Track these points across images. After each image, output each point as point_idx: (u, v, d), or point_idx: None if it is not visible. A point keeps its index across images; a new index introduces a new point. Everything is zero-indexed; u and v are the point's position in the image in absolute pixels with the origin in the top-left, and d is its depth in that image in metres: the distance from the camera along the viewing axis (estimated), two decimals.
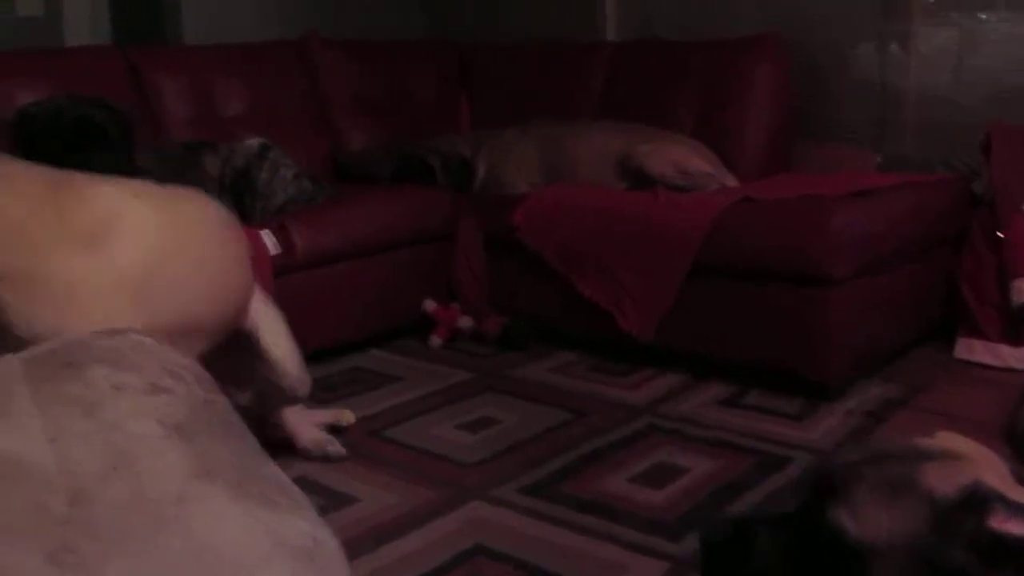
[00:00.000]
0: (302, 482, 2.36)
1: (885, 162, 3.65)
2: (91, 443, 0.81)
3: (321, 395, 2.97)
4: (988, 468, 1.14)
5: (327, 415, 2.70)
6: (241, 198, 3.17)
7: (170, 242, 1.71)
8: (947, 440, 1.15)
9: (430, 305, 3.48)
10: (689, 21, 4.14)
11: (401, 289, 3.47)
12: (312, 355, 3.20)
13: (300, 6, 4.55)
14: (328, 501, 2.31)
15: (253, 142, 3.27)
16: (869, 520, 1.04)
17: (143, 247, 1.64)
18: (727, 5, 4.06)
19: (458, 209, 3.58)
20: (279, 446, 2.37)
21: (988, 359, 3.20)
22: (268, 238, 3.07)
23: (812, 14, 3.86)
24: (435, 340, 3.45)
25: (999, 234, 3.24)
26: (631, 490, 2.35)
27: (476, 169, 3.68)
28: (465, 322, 3.48)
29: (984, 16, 3.65)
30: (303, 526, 0.86)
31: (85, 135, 2.92)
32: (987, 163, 3.32)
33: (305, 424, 2.58)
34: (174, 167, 3.08)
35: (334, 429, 2.66)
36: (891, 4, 3.81)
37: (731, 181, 3.38)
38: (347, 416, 2.72)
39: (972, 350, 3.24)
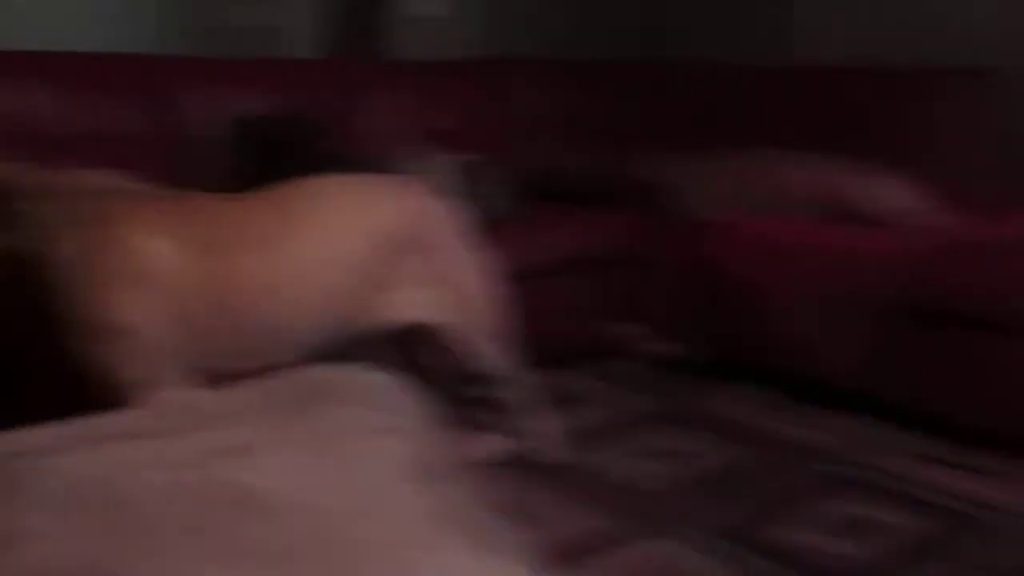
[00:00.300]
0: None
1: None
2: (332, 482, 0.83)
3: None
4: None
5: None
6: None
7: None
8: None
9: (619, 328, 3.47)
10: (896, 46, 3.97)
11: (591, 309, 3.47)
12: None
13: (505, 26, 4.62)
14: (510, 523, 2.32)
15: (459, 158, 3.34)
16: None
17: None
18: (931, 31, 3.86)
19: (652, 233, 3.55)
20: None
21: None
22: None
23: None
24: (622, 363, 3.44)
25: None
26: (822, 541, 2.27)
27: (673, 194, 3.64)
28: (650, 346, 3.45)
29: None
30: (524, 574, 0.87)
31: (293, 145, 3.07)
32: None
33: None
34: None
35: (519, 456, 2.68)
36: None
37: (941, 218, 3.22)
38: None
39: None
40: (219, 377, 1.59)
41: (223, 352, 1.69)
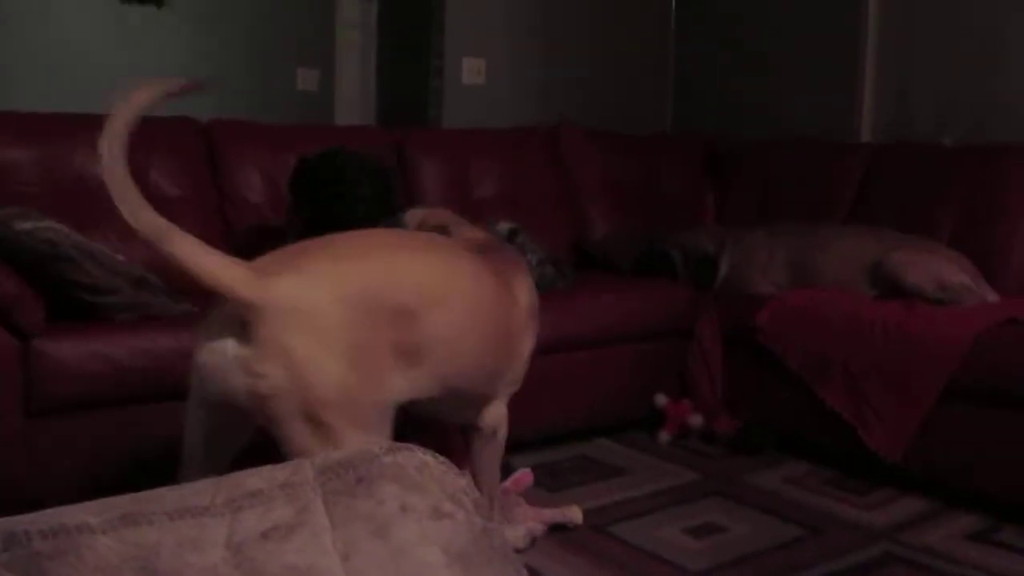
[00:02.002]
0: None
1: None
2: (380, 566, 0.84)
3: (545, 481, 2.99)
4: None
5: (555, 514, 2.69)
6: None
7: None
8: None
9: (662, 399, 3.45)
10: (953, 125, 3.98)
11: (634, 380, 3.47)
12: (540, 439, 3.26)
13: (555, 96, 4.70)
14: None
15: (504, 226, 3.37)
16: None
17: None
18: (995, 109, 3.86)
19: (698, 305, 3.55)
20: None
21: None
22: None
23: None
24: (664, 436, 3.42)
25: None
26: None
27: (719, 266, 3.65)
28: (696, 420, 3.43)
29: None
30: None
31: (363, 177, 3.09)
32: None
33: (528, 519, 2.60)
34: None
35: (560, 527, 2.67)
36: None
37: (992, 297, 3.19)
38: (575, 515, 2.70)
39: None
40: None
41: None
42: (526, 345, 2.30)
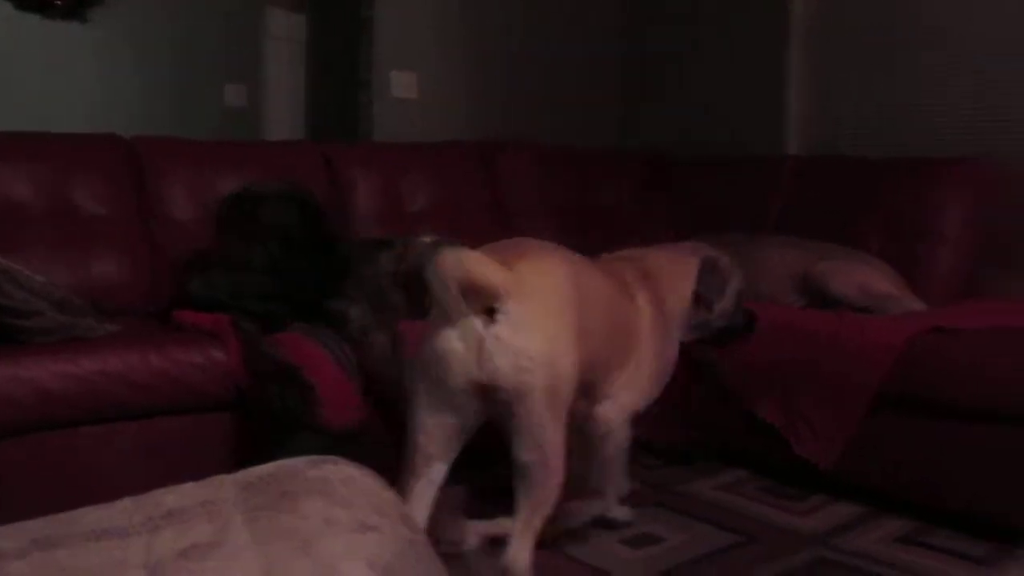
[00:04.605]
0: None
1: None
2: None
3: (485, 496, 2.96)
4: None
5: (490, 527, 2.67)
6: (415, 293, 3.25)
7: None
8: None
9: None
10: (875, 138, 4.06)
11: None
12: (471, 457, 3.23)
13: (489, 110, 4.70)
14: None
15: (426, 238, 3.35)
16: None
17: None
18: (921, 123, 3.95)
19: None
20: None
21: None
22: None
23: (1011, 134, 3.72)
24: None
25: None
26: None
27: None
28: (645, 433, 3.42)
29: None
30: None
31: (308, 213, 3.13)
32: None
33: (465, 533, 2.59)
34: (351, 261, 3.20)
35: (498, 540, 2.65)
36: None
37: (917, 306, 3.25)
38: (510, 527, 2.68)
39: None
40: None
41: None
42: (648, 348, 2.51)
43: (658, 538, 2.74)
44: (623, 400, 2.54)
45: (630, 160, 4.56)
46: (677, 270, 2.74)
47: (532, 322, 1.92)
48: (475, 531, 2.63)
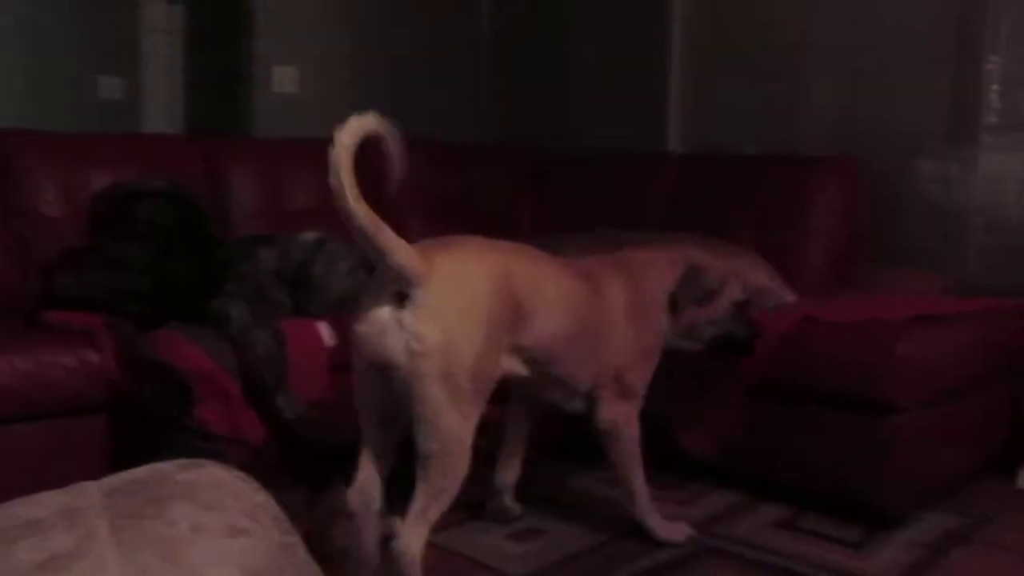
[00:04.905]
0: None
1: (950, 286, 3.60)
2: None
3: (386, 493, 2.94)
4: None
5: (385, 525, 2.65)
6: (298, 291, 3.21)
7: None
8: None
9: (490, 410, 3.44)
10: (753, 135, 4.18)
11: None
12: (350, 450, 3.20)
13: (373, 104, 4.63)
14: None
15: (309, 235, 3.30)
16: None
17: None
18: (793, 121, 4.09)
19: None
20: None
21: None
22: (325, 330, 3.08)
23: (877, 133, 3.88)
24: (480, 443, 3.41)
25: None
26: None
27: None
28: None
29: None
30: None
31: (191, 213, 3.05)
32: None
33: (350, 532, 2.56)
34: (232, 258, 3.14)
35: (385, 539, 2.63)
36: (956, 125, 3.81)
37: (791, 298, 3.35)
38: (397, 526, 2.66)
39: None
40: None
41: None
42: (620, 338, 2.52)
43: (542, 531, 2.76)
44: (610, 397, 2.58)
45: (513, 156, 4.57)
46: (649, 271, 2.68)
47: (434, 310, 2.01)
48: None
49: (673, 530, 2.70)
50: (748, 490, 3.05)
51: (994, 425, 3.26)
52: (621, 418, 2.60)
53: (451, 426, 2.07)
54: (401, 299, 2.03)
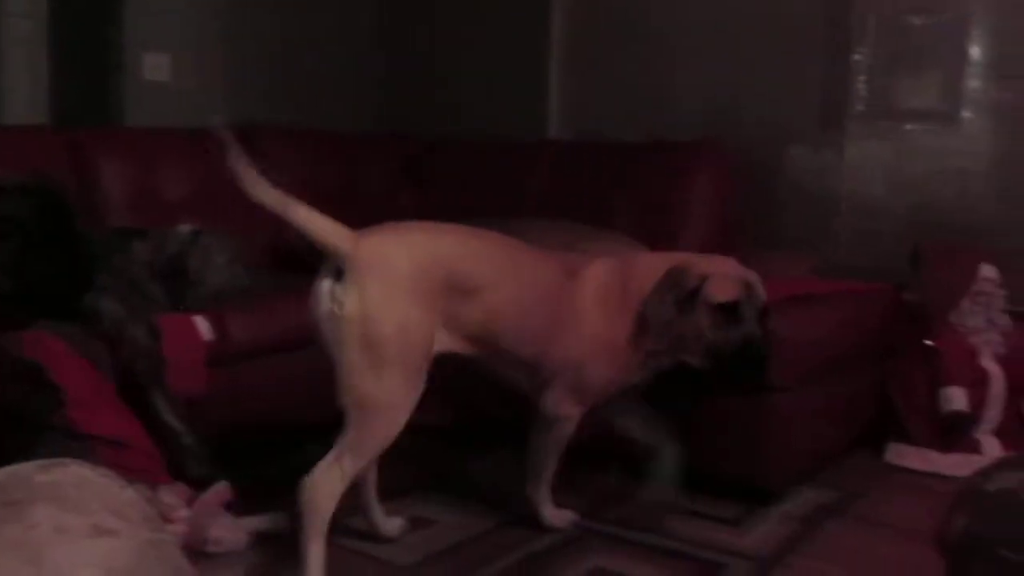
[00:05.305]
0: None
1: (821, 268, 3.73)
2: None
3: (254, 491, 2.88)
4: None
5: (259, 522, 2.61)
6: (175, 285, 3.13)
7: None
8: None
9: None
10: (632, 122, 4.24)
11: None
12: (245, 449, 3.14)
13: (249, 93, 4.55)
14: None
15: (184, 228, 3.22)
16: None
17: None
18: (670, 108, 4.18)
19: None
20: None
21: (918, 465, 3.27)
22: (201, 324, 3.01)
23: (750, 120, 3.99)
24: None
25: (928, 343, 3.33)
26: None
27: None
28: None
29: (912, 127, 3.79)
30: None
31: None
32: (916, 274, 3.43)
33: (232, 531, 2.52)
34: (103, 252, 3.05)
35: (268, 535, 2.59)
36: (826, 112, 3.95)
37: None
38: (280, 521, 2.61)
39: (902, 456, 3.31)
40: None
41: None
42: (588, 328, 2.51)
43: (428, 520, 2.76)
44: (563, 390, 2.56)
45: (393, 145, 4.54)
46: (640, 271, 2.57)
47: (355, 282, 2.24)
48: (243, 528, 2.56)
49: (561, 517, 2.74)
50: (629, 473, 3.09)
51: (864, 403, 3.39)
52: (563, 414, 2.59)
53: (365, 388, 2.25)
54: (340, 275, 2.27)
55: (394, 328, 2.24)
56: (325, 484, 2.22)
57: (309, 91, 4.78)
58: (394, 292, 2.26)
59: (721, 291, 2.47)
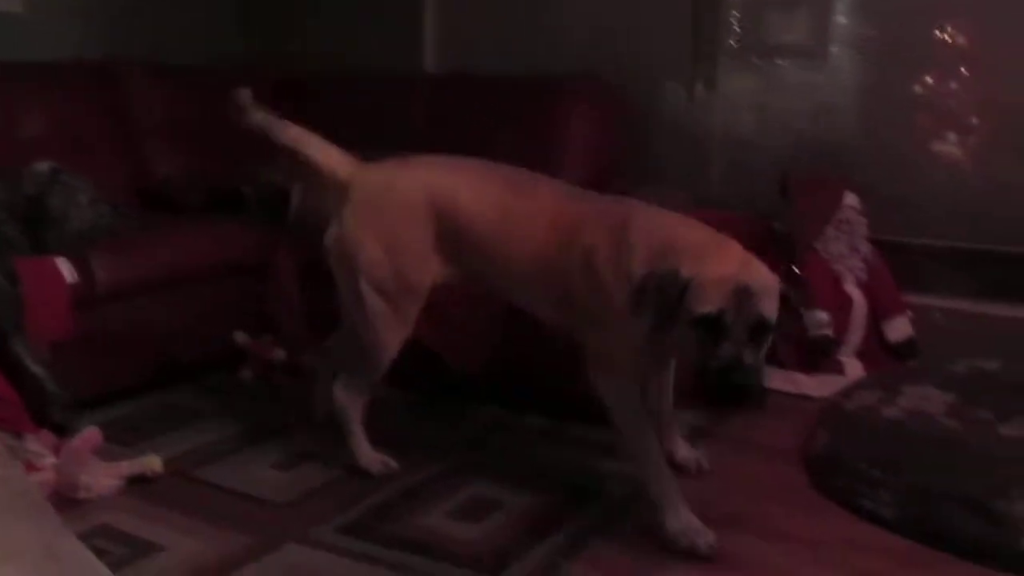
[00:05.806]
0: (104, 530, 2.26)
1: (693, 202, 3.79)
2: None
3: (124, 436, 2.82)
4: None
5: (131, 466, 2.55)
6: (35, 226, 3.00)
7: None
8: None
9: (241, 337, 3.36)
10: (509, 55, 4.21)
11: (211, 322, 3.34)
12: (116, 393, 3.06)
13: (109, 26, 4.33)
14: (131, 551, 2.19)
15: (43, 166, 3.08)
16: None
17: None
18: (547, 42, 4.15)
19: (272, 239, 3.48)
20: None
21: (786, 387, 3.38)
22: (64, 266, 2.90)
23: (625, 55, 4.00)
24: (246, 374, 3.35)
25: (795, 269, 3.43)
26: (449, 526, 2.35)
27: (292, 198, 3.59)
28: (279, 355, 3.38)
29: (782, 62, 3.87)
30: None
31: None
32: (785, 205, 3.53)
33: (102, 476, 2.46)
34: None
35: (141, 479, 2.53)
36: (699, 47, 3.98)
37: None
38: (154, 464, 2.57)
39: (771, 379, 3.40)
40: None
41: None
42: (581, 282, 2.30)
43: (308, 456, 2.75)
44: (589, 350, 2.36)
45: (262, 79, 4.39)
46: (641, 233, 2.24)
47: (344, 212, 2.47)
48: (115, 472, 2.50)
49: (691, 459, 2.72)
50: (511, 406, 3.12)
51: None
52: (602, 389, 2.35)
53: (355, 304, 2.50)
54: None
55: (374, 256, 2.43)
56: (340, 392, 2.61)
57: (172, 23, 4.57)
58: (374, 223, 2.44)
59: (702, 301, 2.00)
